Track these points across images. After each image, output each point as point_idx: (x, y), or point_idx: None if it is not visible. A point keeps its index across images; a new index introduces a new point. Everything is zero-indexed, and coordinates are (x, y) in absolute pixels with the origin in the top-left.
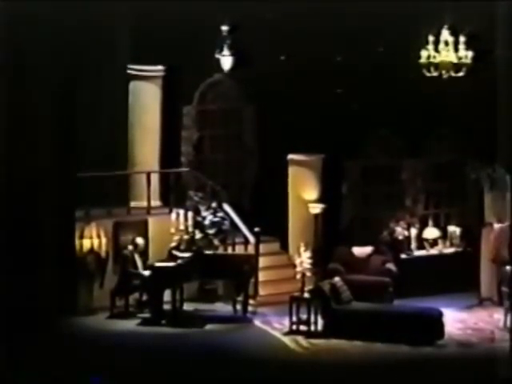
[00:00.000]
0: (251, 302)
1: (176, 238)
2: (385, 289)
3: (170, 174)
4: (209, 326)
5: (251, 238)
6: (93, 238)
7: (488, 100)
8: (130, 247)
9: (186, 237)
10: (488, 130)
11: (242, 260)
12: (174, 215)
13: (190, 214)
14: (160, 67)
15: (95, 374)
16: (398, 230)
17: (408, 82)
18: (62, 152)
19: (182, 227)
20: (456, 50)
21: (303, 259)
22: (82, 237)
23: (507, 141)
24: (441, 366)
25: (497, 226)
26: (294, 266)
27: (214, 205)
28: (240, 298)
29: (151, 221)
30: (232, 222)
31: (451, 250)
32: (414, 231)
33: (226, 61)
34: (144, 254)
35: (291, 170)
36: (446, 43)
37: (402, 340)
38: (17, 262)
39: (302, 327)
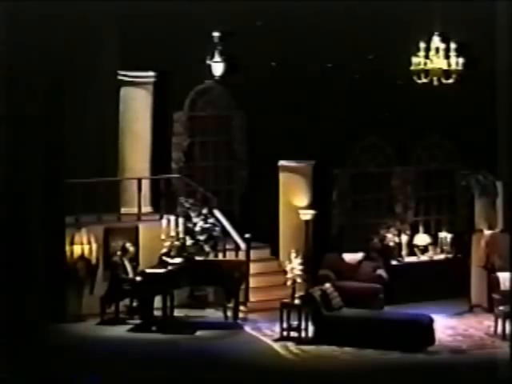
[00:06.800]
0: (242, 308)
1: (167, 244)
2: (375, 295)
3: (161, 181)
4: (199, 333)
5: (242, 245)
6: (83, 244)
7: (479, 107)
8: (120, 253)
9: (176, 243)
10: (478, 136)
11: (232, 266)
12: (164, 221)
13: (180, 220)
14: (151, 73)
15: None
16: (389, 236)
17: (398, 90)
18: (51, 158)
19: (172, 233)
20: (447, 56)
21: (294, 265)
22: (72, 243)
23: (498, 148)
24: (431, 373)
25: (487, 232)
26: (285, 273)
27: (204, 211)
28: (230, 305)
29: (142, 227)
30: (223, 229)
31: (442, 256)
32: (404, 238)
33: (217, 67)
34: (134, 260)
35: (282, 177)
36: (437, 50)
37: (393, 346)
38: (5, 268)
39: (293, 334)
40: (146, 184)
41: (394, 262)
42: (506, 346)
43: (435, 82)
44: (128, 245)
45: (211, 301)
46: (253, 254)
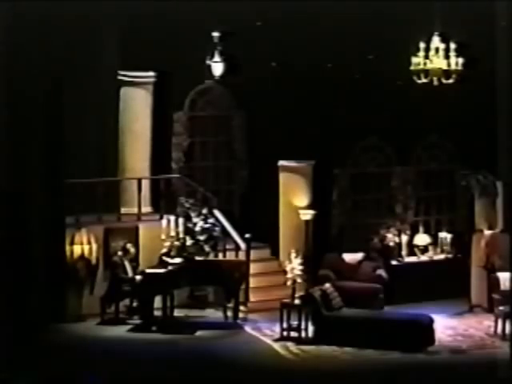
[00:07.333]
0: (242, 308)
1: (167, 244)
2: (375, 295)
3: (161, 181)
4: (199, 333)
5: (242, 245)
6: (83, 245)
7: (479, 107)
8: (120, 253)
9: (176, 243)
10: (478, 136)
11: (232, 266)
12: (164, 221)
13: (180, 220)
14: (151, 73)
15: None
16: (389, 236)
17: (398, 90)
18: (51, 158)
19: (172, 233)
20: (447, 56)
21: (294, 265)
22: (72, 243)
23: (498, 148)
24: (431, 373)
25: (487, 232)
26: (285, 273)
27: (204, 211)
28: (230, 305)
29: (142, 227)
30: (223, 229)
31: (442, 256)
32: (404, 238)
33: (217, 67)
34: (134, 260)
35: (282, 177)
36: (437, 50)
37: (393, 346)
38: (6, 268)
39: (293, 334)
40: (146, 184)
41: (394, 262)
42: (506, 346)
43: (435, 82)
44: (129, 245)
45: (211, 301)
46: (253, 253)
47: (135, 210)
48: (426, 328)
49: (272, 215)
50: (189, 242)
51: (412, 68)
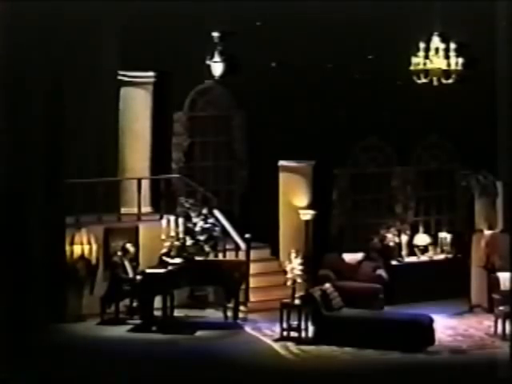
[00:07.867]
0: (242, 308)
1: (167, 244)
2: (375, 295)
3: (161, 181)
4: (199, 333)
5: (242, 245)
6: (83, 245)
7: (479, 107)
8: (120, 253)
9: (176, 243)
10: (478, 136)
11: (232, 266)
12: (164, 221)
13: (180, 220)
14: (151, 73)
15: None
16: (389, 236)
17: (398, 90)
18: (51, 158)
19: (172, 233)
20: (447, 56)
21: (294, 265)
22: (72, 243)
23: (498, 148)
24: (431, 373)
25: (487, 232)
26: (285, 273)
27: (204, 211)
28: (230, 305)
29: (142, 227)
30: (223, 229)
31: (442, 256)
32: (404, 238)
33: (217, 67)
34: (134, 260)
35: (282, 177)
36: (437, 50)
37: (393, 346)
38: (6, 268)
39: (293, 334)
40: (146, 184)
41: (393, 262)
42: (506, 346)
43: (435, 82)
44: (128, 245)
45: (211, 301)
46: (253, 254)
47: (135, 210)
48: (426, 328)
49: (272, 215)
50: (189, 241)
51: (412, 68)
